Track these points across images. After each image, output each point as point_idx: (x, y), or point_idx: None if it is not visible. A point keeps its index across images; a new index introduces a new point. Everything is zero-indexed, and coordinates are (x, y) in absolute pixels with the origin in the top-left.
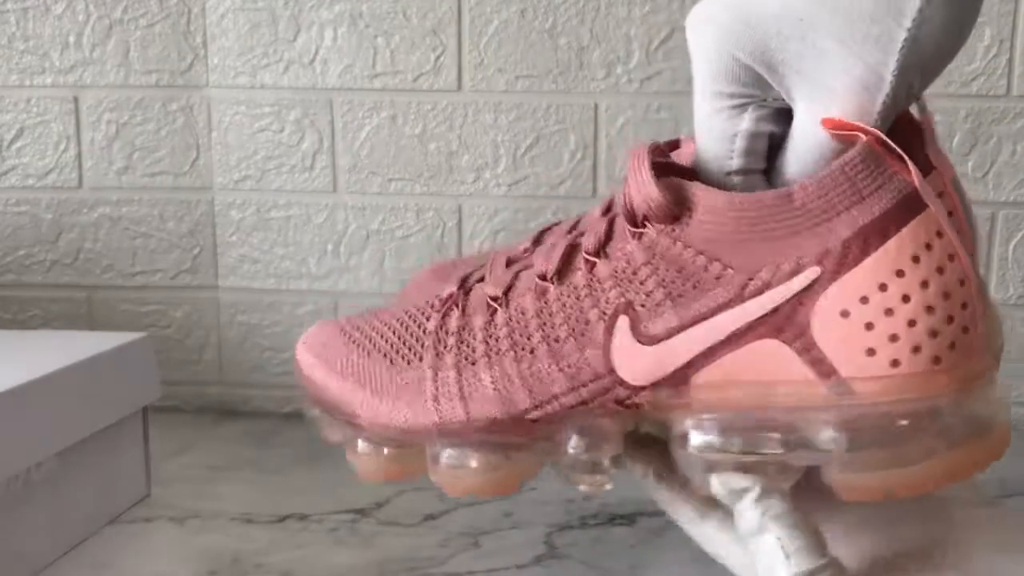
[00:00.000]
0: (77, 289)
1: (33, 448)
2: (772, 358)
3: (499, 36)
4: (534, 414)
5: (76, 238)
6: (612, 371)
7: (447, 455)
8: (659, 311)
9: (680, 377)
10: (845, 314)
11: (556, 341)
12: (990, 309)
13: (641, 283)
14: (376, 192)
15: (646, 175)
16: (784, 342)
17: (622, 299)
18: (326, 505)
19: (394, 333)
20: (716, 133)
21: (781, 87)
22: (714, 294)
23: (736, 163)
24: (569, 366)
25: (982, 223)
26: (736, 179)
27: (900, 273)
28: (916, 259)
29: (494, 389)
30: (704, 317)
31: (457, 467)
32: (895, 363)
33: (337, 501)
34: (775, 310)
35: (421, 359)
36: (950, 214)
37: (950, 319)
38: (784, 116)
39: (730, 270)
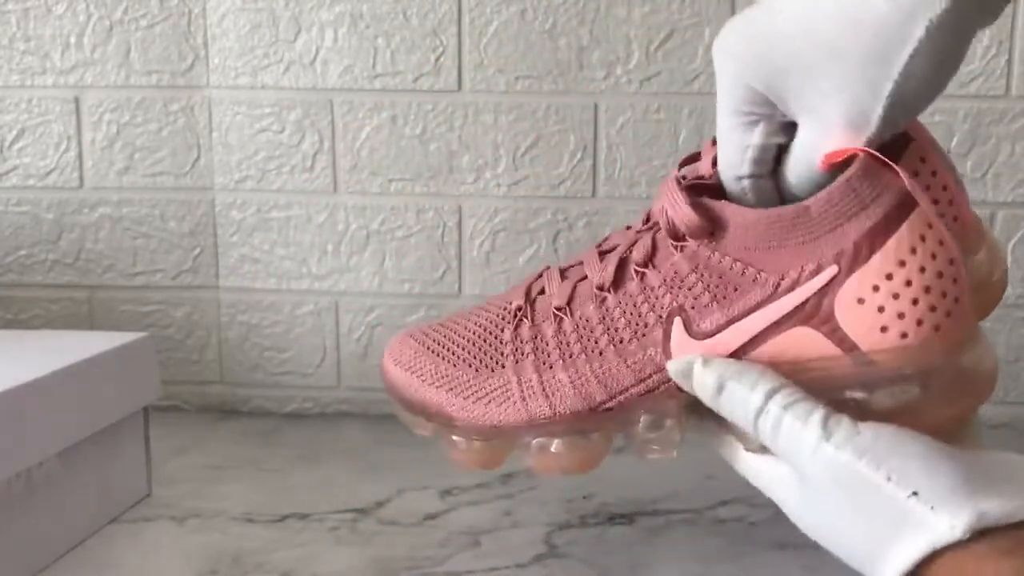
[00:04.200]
0: (78, 289)
1: (34, 448)
2: (805, 340)
3: (499, 37)
4: (609, 404)
5: (77, 238)
6: None
7: (536, 443)
8: (707, 311)
9: None
10: (861, 301)
11: (621, 342)
12: (993, 250)
13: (689, 289)
14: (376, 192)
15: (682, 202)
16: (813, 327)
17: (674, 303)
18: (326, 504)
19: (473, 344)
20: (732, 146)
21: (787, 112)
22: (752, 294)
23: (746, 170)
24: (635, 362)
25: None
26: (747, 183)
27: (902, 263)
28: (913, 250)
29: (572, 387)
30: (746, 313)
31: (546, 452)
32: (903, 335)
33: (337, 500)
34: (803, 303)
35: (503, 366)
36: (935, 202)
37: (944, 295)
38: (789, 128)
39: (763, 273)
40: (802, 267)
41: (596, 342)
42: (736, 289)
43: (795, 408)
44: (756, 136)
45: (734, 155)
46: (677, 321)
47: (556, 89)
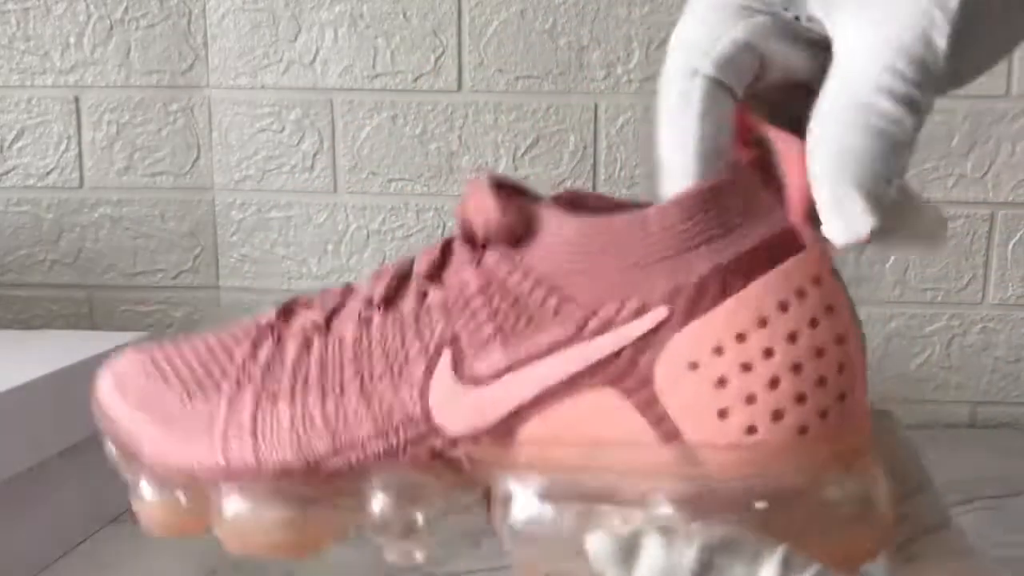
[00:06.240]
0: (78, 289)
1: (35, 447)
2: (608, 411)
3: (499, 37)
4: (333, 462)
5: (77, 238)
6: (428, 416)
7: (233, 505)
8: (486, 348)
9: (504, 429)
10: (694, 366)
11: (370, 378)
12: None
13: (472, 314)
14: (376, 192)
15: (486, 191)
16: (623, 393)
17: (448, 332)
18: None
19: (198, 362)
20: (703, 28)
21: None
22: (549, 332)
23: (709, 68)
24: (380, 407)
25: (981, 223)
26: (701, 82)
27: (763, 322)
28: (784, 307)
29: (291, 429)
30: (535, 358)
31: (243, 520)
32: (751, 430)
33: None
34: (616, 354)
35: (219, 392)
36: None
37: (821, 382)
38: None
39: (571, 304)
40: (622, 302)
41: (340, 373)
42: (529, 322)
43: None
44: (741, 29)
45: (702, 40)
46: (445, 355)
47: (556, 89)
